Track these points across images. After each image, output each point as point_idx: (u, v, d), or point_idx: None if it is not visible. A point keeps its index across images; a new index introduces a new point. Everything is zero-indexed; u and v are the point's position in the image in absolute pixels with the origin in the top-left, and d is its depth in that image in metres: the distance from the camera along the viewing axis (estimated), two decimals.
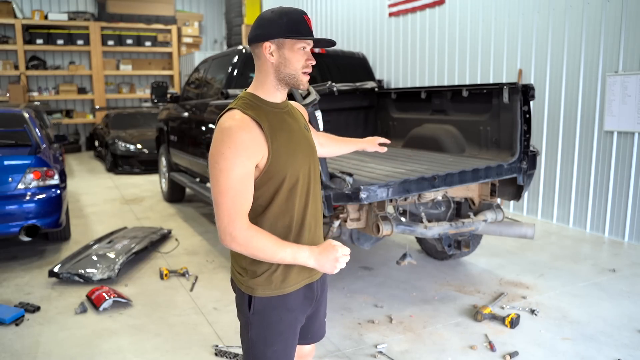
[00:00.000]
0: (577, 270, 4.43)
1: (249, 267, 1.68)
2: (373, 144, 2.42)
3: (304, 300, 1.76)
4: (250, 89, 1.69)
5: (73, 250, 4.96)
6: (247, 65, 5.10)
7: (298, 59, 1.61)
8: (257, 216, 1.64)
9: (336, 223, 3.49)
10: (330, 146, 2.25)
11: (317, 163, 1.78)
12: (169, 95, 6.84)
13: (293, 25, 1.59)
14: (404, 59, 7.91)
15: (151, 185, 8.97)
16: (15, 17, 13.08)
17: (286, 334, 1.73)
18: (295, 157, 1.64)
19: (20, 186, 4.65)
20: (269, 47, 1.61)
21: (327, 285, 1.96)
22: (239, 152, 1.53)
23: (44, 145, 5.18)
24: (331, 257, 1.60)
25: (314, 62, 1.65)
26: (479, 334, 3.31)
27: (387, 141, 2.47)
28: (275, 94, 1.66)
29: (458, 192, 3.90)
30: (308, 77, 1.67)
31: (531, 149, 3.84)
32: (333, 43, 1.68)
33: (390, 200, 3.60)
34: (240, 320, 1.77)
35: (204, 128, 5.31)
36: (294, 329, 1.75)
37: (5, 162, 4.66)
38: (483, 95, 4.22)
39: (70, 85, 14.08)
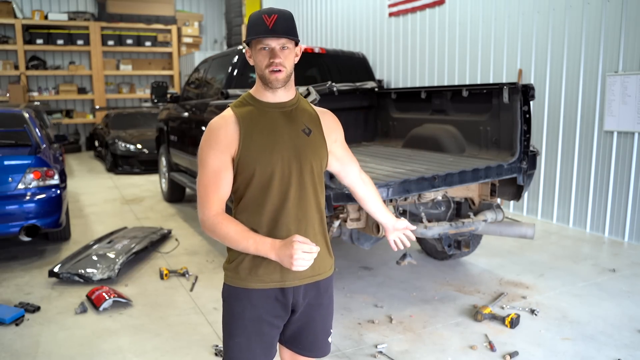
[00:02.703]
0: (577, 270, 4.43)
1: (227, 252, 1.77)
2: (394, 237, 2.07)
3: (274, 303, 1.73)
4: (252, 89, 1.77)
5: (73, 250, 4.96)
6: (247, 65, 5.09)
7: (261, 59, 1.66)
8: (235, 206, 1.74)
9: (336, 223, 3.49)
10: (360, 190, 2.01)
11: (310, 166, 1.71)
12: (169, 95, 6.85)
13: (250, 28, 1.65)
14: (404, 59, 7.91)
15: (151, 185, 8.97)
16: (15, 17, 13.08)
17: (249, 330, 1.73)
18: (269, 155, 1.65)
19: (20, 186, 4.65)
20: (248, 52, 1.71)
21: (329, 300, 1.87)
22: (212, 146, 1.66)
23: (44, 145, 5.18)
24: (287, 253, 1.55)
25: (277, 60, 1.63)
26: (479, 334, 3.31)
27: (412, 228, 2.11)
28: (266, 94, 1.71)
29: (458, 192, 3.90)
30: (278, 76, 1.64)
31: (531, 149, 3.83)
32: (291, 35, 1.62)
33: (390, 200, 3.60)
34: None
35: (204, 128, 5.29)
36: (258, 327, 1.73)
37: (5, 162, 4.66)
38: (483, 95, 4.22)
39: (70, 85, 14.08)
